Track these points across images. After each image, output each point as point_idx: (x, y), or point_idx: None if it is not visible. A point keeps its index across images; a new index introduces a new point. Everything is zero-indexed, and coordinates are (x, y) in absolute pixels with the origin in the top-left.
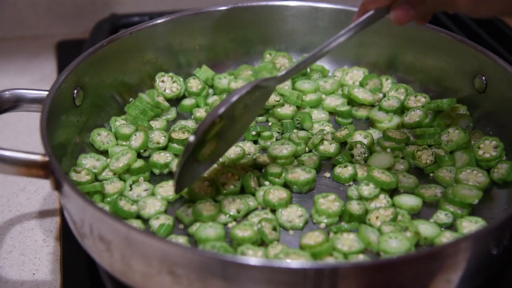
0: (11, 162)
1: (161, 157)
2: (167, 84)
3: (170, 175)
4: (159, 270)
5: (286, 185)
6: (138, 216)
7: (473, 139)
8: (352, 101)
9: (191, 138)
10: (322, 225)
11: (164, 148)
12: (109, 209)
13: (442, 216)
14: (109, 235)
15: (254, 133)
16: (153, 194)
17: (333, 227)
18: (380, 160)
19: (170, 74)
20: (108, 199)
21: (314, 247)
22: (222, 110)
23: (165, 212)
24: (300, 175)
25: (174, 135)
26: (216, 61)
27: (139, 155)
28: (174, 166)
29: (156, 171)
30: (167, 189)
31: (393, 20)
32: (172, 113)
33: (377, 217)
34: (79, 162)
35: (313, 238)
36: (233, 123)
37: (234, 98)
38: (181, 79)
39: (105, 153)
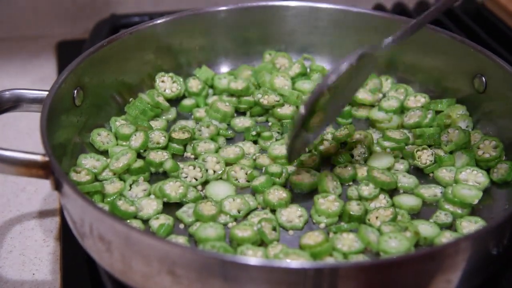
0: (11, 162)
1: (157, 156)
2: (167, 84)
3: (166, 174)
4: (159, 270)
5: (285, 185)
6: (137, 217)
7: (473, 139)
8: (352, 101)
9: (302, 110)
10: (322, 225)
11: (164, 148)
12: (108, 209)
13: (442, 216)
14: (109, 235)
15: (254, 133)
16: (149, 194)
17: (332, 227)
18: (380, 160)
19: (170, 74)
20: (108, 199)
21: (314, 247)
22: (332, 79)
23: (163, 211)
24: (305, 177)
25: (174, 135)
26: (216, 61)
27: (139, 155)
28: (285, 138)
29: (152, 170)
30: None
31: None
32: (172, 113)
33: (377, 217)
34: (79, 162)
35: (313, 238)
36: (341, 92)
37: (344, 67)
38: (181, 79)
39: (105, 153)
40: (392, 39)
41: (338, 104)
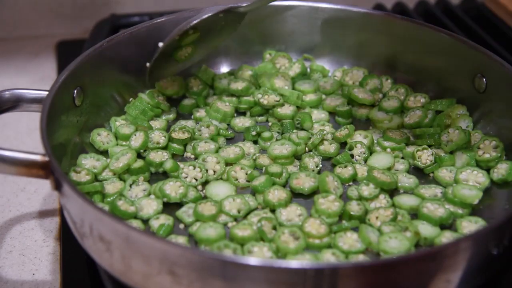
0: (11, 162)
1: (157, 156)
2: (168, 85)
3: (163, 172)
4: (159, 270)
5: (285, 185)
6: (137, 217)
7: (473, 139)
8: (352, 101)
9: (160, 44)
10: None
11: (164, 148)
12: (108, 209)
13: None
14: (109, 235)
15: (254, 133)
16: (149, 194)
17: (333, 227)
18: (380, 160)
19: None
20: (108, 199)
21: (315, 237)
22: (194, 22)
23: (163, 211)
24: (305, 181)
25: (174, 135)
26: (216, 61)
27: (139, 155)
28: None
29: (152, 170)
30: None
31: None
32: (172, 113)
33: (377, 217)
34: (79, 162)
35: (315, 227)
36: (207, 35)
37: (206, 14)
38: (181, 79)
39: (105, 153)
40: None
41: (204, 45)
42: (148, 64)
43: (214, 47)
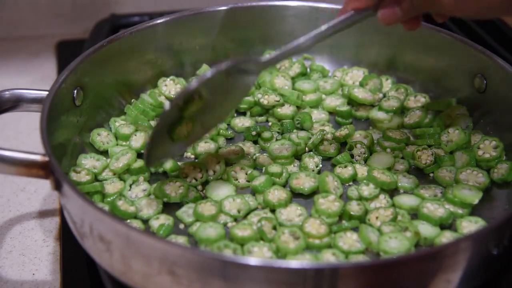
0: (11, 162)
1: None
2: (171, 87)
3: (165, 174)
4: (159, 270)
5: (285, 185)
6: (137, 217)
7: (473, 139)
8: (352, 101)
9: (166, 105)
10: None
11: None
12: (108, 209)
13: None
14: (109, 235)
15: (254, 133)
16: (149, 194)
17: (333, 227)
18: (380, 160)
19: (172, 77)
20: (108, 199)
21: (315, 237)
22: (197, 84)
23: (163, 211)
24: (305, 181)
25: None
26: (216, 61)
27: (139, 155)
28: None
29: (152, 169)
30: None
31: (380, 20)
32: None
33: (377, 217)
34: (79, 162)
35: (315, 227)
36: (211, 107)
37: (212, 72)
38: (183, 80)
39: (105, 153)
40: (268, 59)
41: (209, 118)
42: (146, 141)
43: (217, 122)
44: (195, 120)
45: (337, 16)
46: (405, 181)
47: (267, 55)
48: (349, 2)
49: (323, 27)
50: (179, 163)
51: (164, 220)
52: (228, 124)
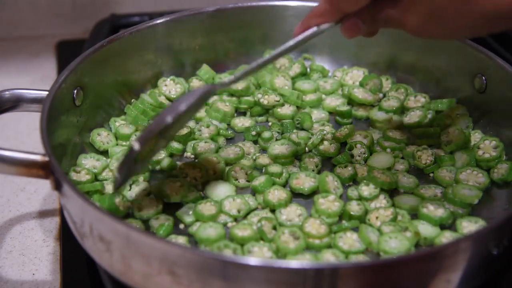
0: (11, 162)
1: None
2: (171, 87)
3: (162, 172)
4: (159, 270)
5: (285, 185)
6: (137, 216)
7: (473, 139)
8: (352, 101)
9: (135, 145)
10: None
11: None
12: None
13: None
14: (109, 235)
15: (254, 133)
16: (149, 194)
17: (333, 227)
18: (380, 160)
19: (172, 77)
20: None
21: (315, 237)
22: (169, 120)
23: (163, 212)
24: (305, 181)
25: None
26: (216, 61)
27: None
28: (114, 167)
29: (150, 167)
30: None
31: (343, 33)
32: None
33: (377, 217)
34: (79, 162)
35: (315, 227)
36: (175, 124)
37: (182, 107)
38: (183, 80)
39: (105, 153)
40: (234, 78)
41: (176, 128)
42: (114, 175)
43: (180, 129)
44: (158, 137)
45: (299, 31)
46: (405, 181)
47: (228, 77)
48: (312, 18)
49: (289, 43)
50: (178, 163)
51: (164, 220)
52: (228, 124)
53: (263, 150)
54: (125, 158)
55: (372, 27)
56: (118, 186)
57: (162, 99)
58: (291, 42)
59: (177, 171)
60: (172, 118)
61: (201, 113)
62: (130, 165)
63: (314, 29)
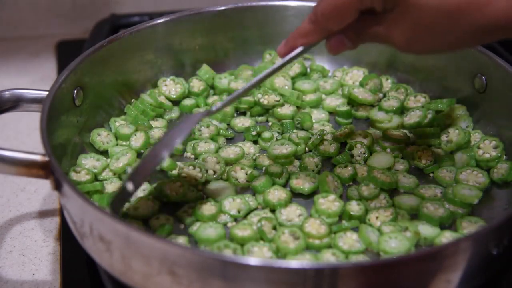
0: (11, 162)
1: None
2: (171, 87)
3: (162, 172)
4: (159, 270)
5: (285, 185)
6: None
7: (473, 139)
8: (352, 101)
9: (130, 187)
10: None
11: None
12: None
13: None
14: (109, 235)
15: (254, 133)
16: (149, 194)
17: (333, 227)
18: (380, 160)
19: (172, 77)
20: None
21: (315, 237)
22: (165, 157)
23: (163, 211)
24: (305, 181)
25: None
26: (216, 61)
27: (139, 155)
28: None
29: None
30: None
31: (328, 50)
32: (175, 112)
33: (377, 217)
34: (79, 162)
35: (315, 227)
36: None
37: (178, 142)
38: (183, 80)
39: (105, 153)
40: (217, 108)
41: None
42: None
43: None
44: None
45: (284, 51)
46: (405, 181)
47: (215, 106)
48: (297, 39)
49: (277, 64)
50: (178, 163)
51: (164, 220)
52: (228, 124)
53: (263, 150)
54: (119, 196)
55: (357, 43)
56: (118, 210)
57: (162, 99)
58: (279, 63)
59: (177, 171)
60: (168, 154)
61: None
62: (125, 199)
63: (300, 48)
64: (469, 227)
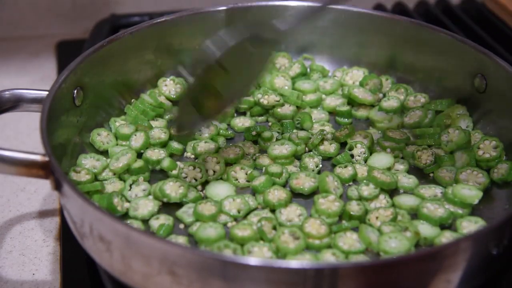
0: (11, 162)
1: (154, 154)
2: (171, 87)
3: (162, 172)
4: (159, 270)
5: (285, 185)
6: (132, 216)
7: (473, 139)
8: (352, 101)
9: (190, 79)
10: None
11: (164, 146)
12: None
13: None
14: (109, 235)
15: (254, 133)
16: (149, 194)
17: (333, 227)
18: (380, 160)
19: (172, 77)
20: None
21: (315, 237)
22: (219, 54)
23: (163, 211)
24: (305, 181)
25: (174, 131)
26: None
27: (139, 155)
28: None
29: (150, 167)
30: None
31: None
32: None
33: (377, 217)
34: (79, 162)
35: (316, 227)
36: (236, 74)
37: (232, 43)
38: (183, 80)
39: (105, 153)
40: (289, 21)
41: (234, 89)
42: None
43: (240, 93)
44: (221, 90)
45: None
46: (405, 181)
47: (284, 21)
48: None
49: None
50: (178, 163)
51: (164, 220)
52: (228, 124)
53: (263, 150)
54: (183, 98)
55: None
56: (179, 131)
57: (162, 99)
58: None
59: (177, 171)
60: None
61: None
62: (193, 112)
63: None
64: (469, 227)
